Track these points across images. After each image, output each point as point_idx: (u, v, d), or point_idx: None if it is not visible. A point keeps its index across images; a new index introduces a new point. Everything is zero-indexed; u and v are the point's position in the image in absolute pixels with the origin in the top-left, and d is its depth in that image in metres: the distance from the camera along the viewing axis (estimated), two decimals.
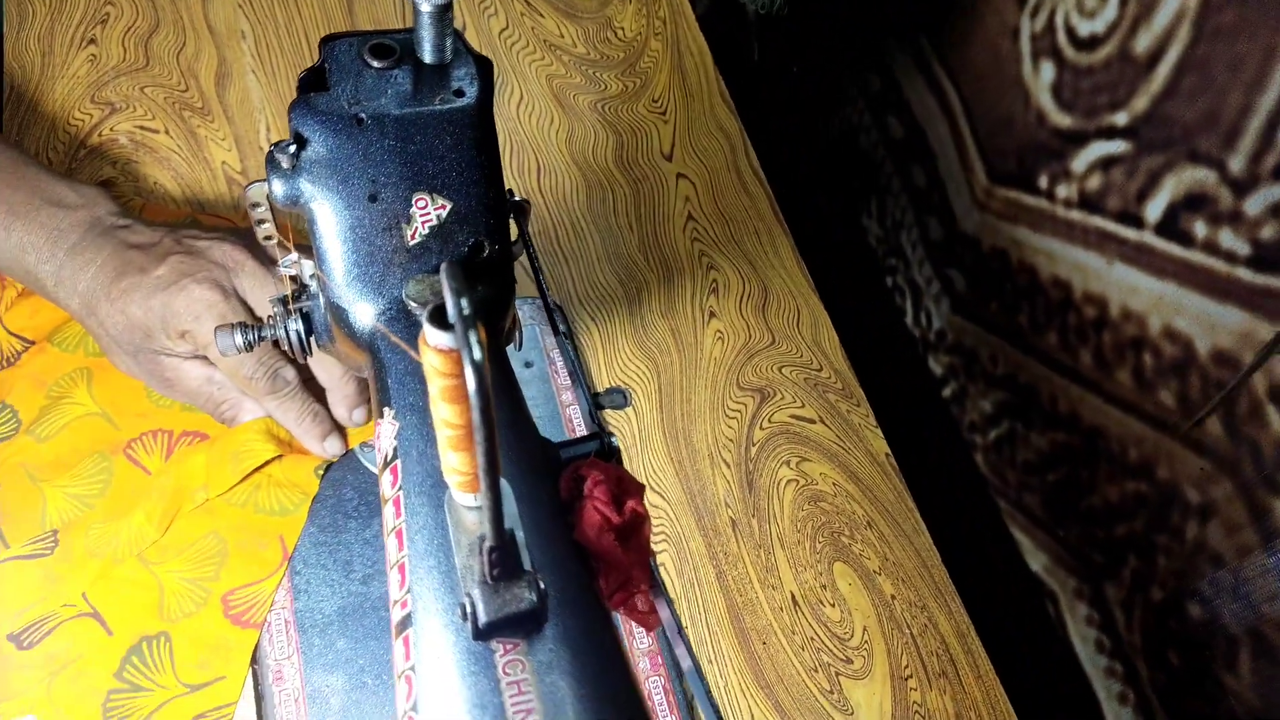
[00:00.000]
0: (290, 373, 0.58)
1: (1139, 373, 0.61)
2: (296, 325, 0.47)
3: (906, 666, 0.61)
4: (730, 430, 0.68)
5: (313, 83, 0.39)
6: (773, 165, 0.82)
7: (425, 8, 0.37)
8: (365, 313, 0.41)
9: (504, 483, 0.33)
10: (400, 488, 0.36)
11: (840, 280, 0.83)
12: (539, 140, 0.79)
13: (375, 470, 0.63)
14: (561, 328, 0.43)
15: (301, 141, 0.38)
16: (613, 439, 0.39)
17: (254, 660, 0.56)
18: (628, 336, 0.71)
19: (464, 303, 0.26)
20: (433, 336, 0.29)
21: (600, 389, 0.68)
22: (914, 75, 0.81)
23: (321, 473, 0.61)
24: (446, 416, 0.31)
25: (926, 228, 0.81)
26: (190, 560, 0.57)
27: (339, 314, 0.41)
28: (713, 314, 0.73)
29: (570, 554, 0.35)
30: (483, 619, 0.30)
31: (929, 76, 0.79)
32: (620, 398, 0.69)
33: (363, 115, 0.38)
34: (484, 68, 0.40)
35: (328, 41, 0.39)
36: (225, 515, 0.59)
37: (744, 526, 0.65)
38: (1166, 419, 0.60)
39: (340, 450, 0.61)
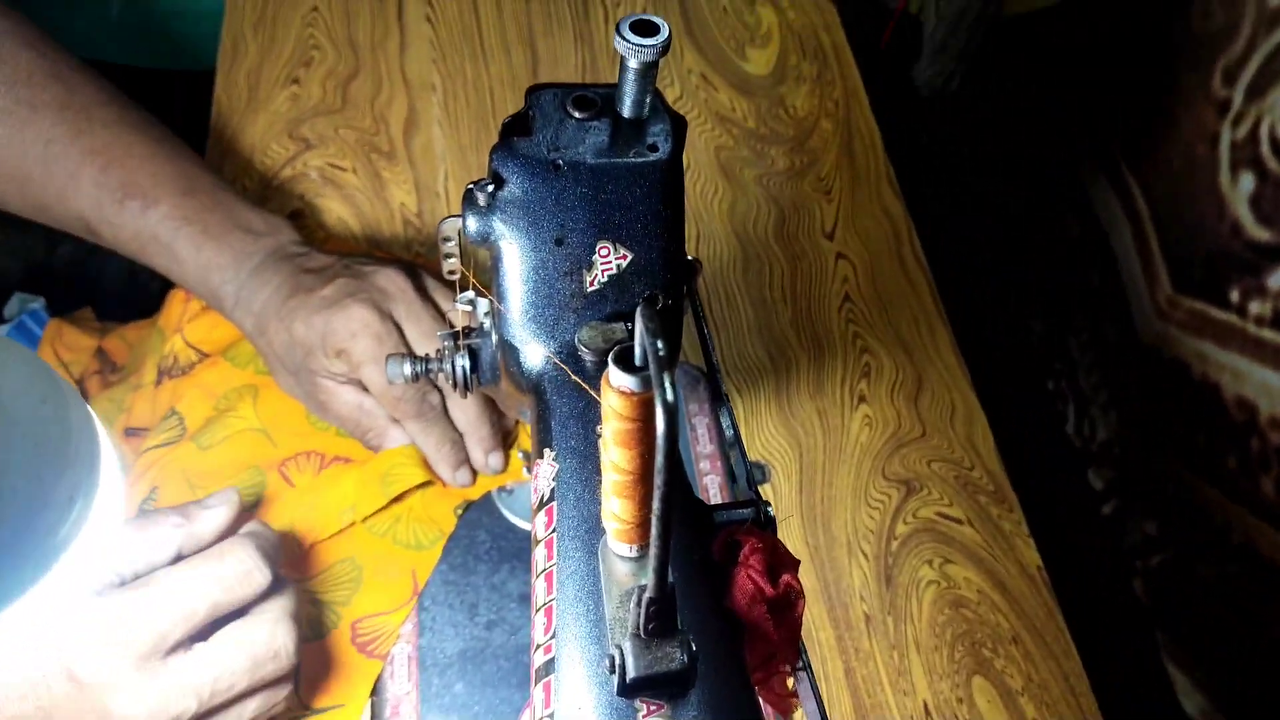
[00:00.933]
0: (436, 398, 0.59)
1: None
2: (463, 361, 0.48)
3: None
4: (871, 521, 0.66)
5: (515, 128, 0.40)
6: (935, 253, 0.80)
7: (633, 64, 0.38)
8: (536, 353, 0.41)
9: None
10: (554, 530, 0.36)
11: (998, 378, 0.80)
12: (701, 208, 0.80)
13: (510, 517, 0.63)
14: (724, 394, 0.43)
15: (499, 181, 0.39)
16: (769, 508, 0.38)
17: (373, 692, 0.56)
18: (772, 413, 0.70)
19: (660, 345, 0.26)
20: (616, 378, 0.28)
21: None
22: (1097, 174, 0.78)
23: (460, 512, 0.62)
24: (617, 460, 0.30)
25: (1100, 333, 0.78)
26: (325, 582, 0.58)
27: (510, 352, 0.42)
28: (863, 398, 0.71)
29: (718, 620, 0.34)
30: (631, 673, 0.29)
31: (1114, 177, 0.76)
32: (759, 473, 0.67)
33: (560, 161, 0.39)
34: (678, 126, 0.41)
35: (534, 90, 0.41)
36: (364, 542, 0.60)
37: (878, 623, 0.62)
38: None
39: (469, 482, 0.61)
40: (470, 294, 0.45)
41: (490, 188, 0.39)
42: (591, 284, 0.40)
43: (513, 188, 0.39)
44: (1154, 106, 0.72)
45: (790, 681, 0.38)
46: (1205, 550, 0.66)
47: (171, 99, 0.93)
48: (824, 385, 0.72)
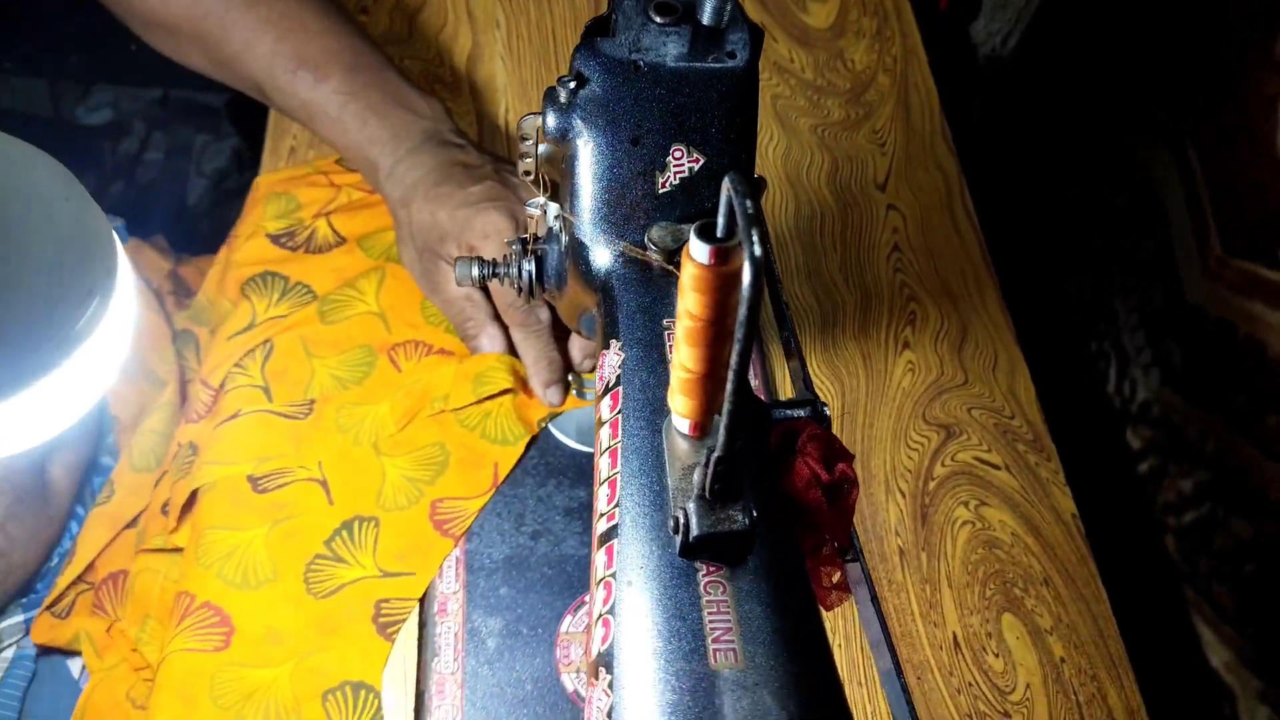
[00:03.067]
0: (545, 313, 0.61)
1: None
2: (529, 265, 0.49)
3: None
4: (910, 461, 0.67)
5: (597, 29, 0.41)
6: (986, 213, 0.81)
7: None
8: (605, 252, 0.43)
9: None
10: (619, 411, 0.37)
11: (1042, 335, 0.81)
12: (756, 153, 0.81)
13: (558, 435, 0.65)
14: (788, 314, 0.44)
15: (581, 80, 0.40)
16: (825, 407, 0.39)
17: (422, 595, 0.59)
18: (816, 353, 0.71)
19: (749, 204, 0.27)
20: (698, 249, 0.30)
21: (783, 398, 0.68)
22: (1152, 137, 0.78)
23: (543, 424, 0.64)
24: (685, 361, 0.32)
25: (1147, 294, 0.78)
26: (415, 461, 0.61)
27: (580, 251, 0.43)
28: (906, 345, 0.72)
29: (778, 502, 0.35)
30: (695, 532, 0.31)
31: (1169, 139, 0.76)
32: (822, 409, 0.68)
33: (640, 62, 0.40)
34: (756, 36, 0.42)
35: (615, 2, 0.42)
36: (455, 432, 0.63)
37: (912, 558, 0.63)
38: None
39: (558, 401, 0.63)
40: (542, 199, 0.47)
41: (572, 84, 0.40)
42: (664, 185, 0.42)
43: (593, 86, 0.40)
44: (1212, 68, 0.72)
45: (836, 575, 0.40)
46: (1240, 508, 0.67)
47: None
48: (869, 330, 0.73)
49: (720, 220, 0.29)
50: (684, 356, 0.32)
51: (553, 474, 0.63)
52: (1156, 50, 0.81)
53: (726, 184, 0.28)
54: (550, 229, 0.48)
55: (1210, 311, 0.70)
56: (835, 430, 0.68)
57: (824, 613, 0.56)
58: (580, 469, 0.64)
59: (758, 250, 0.26)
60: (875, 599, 0.35)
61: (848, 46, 0.89)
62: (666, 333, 0.39)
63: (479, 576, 0.59)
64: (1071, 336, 0.88)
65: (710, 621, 0.31)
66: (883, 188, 0.81)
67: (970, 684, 0.59)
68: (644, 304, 0.40)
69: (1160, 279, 0.76)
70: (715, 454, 0.30)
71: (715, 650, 0.30)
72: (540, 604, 0.59)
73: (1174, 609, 0.72)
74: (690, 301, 0.31)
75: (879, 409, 0.69)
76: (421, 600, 0.58)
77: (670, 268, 0.41)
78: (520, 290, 0.50)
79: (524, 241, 0.49)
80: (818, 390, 0.69)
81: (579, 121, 0.41)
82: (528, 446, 0.63)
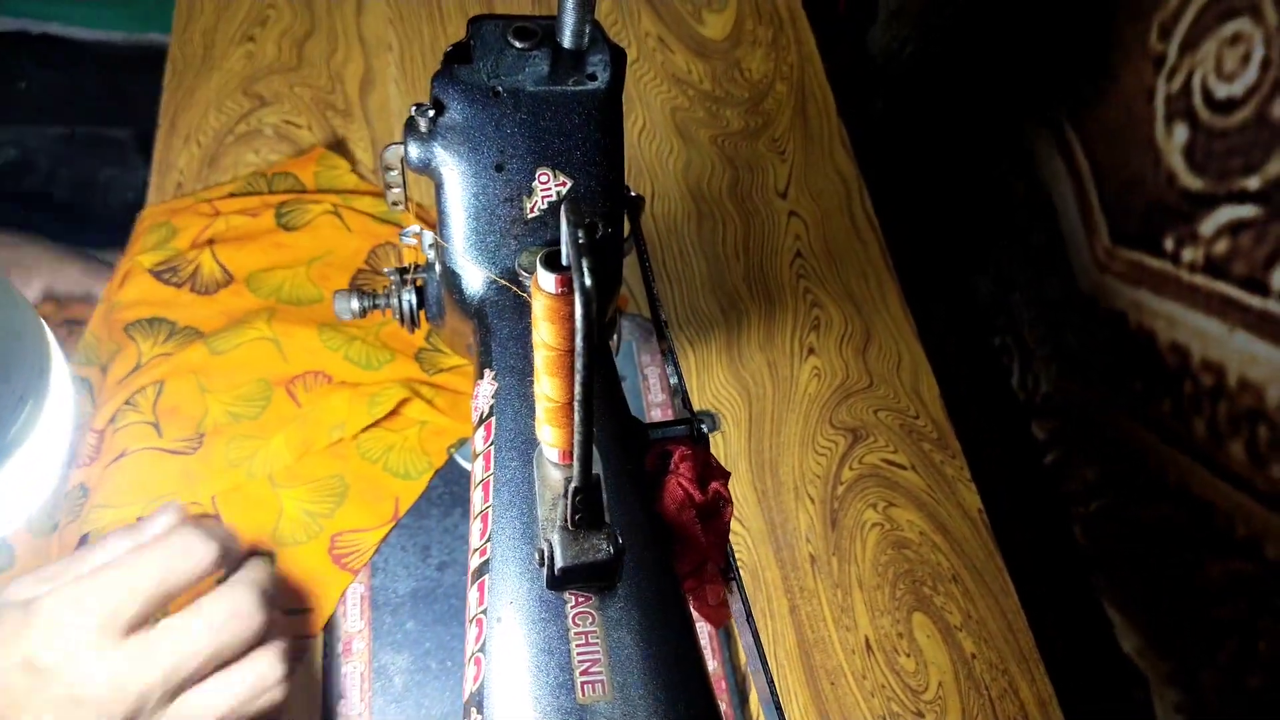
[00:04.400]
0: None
1: (1253, 446, 0.58)
2: (410, 296, 0.49)
3: None
4: (818, 466, 0.67)
5: (456, 57, 0.41)
6: (886, 215, 0.82)
7: None
8: (477, 279, 0.42)
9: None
10: (492, 443, 0.37)
11: (945, 333, 0.82)
12: (656, 167, 0.81)
13: (462, 463, 0.64)
14: (666, 334, 0.44)
15: (440, 107, 0.40)
16: (703, 425, 0.39)
17: (325, 628, 0.57)
18: (723, 365, 0.72)
19: (581, 233, 0.27)
20: (544, 278, 0.29)
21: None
22: (1042, 132, 0.80)
23: (454, 450, 0.63)
24: (547, 391, 0.31)
25: (1042, 288, 0.80)
26: (313, 493, 0.60)
27: (453, 279, 0.43)
28: (812, 350, 0.73)
29: (648, 526, 0.35)
30: (559, 563, 0.30)
31: (1057, 134, 0.78)
32: (710, 422, 0.68)
33: (500, 88, 0.40)
34: (618, 56, 0.42)
35: (476, 21, 0.41)
36: (355, 463, 0.61)
37: (823, 564, 0.63)
38: (1277, 496, 0.57)
39: None
40: (416, 227, 0.46)
41: (431, 113, 0.40)
42: (531, 210, 0.41)
43: (453, 114, 0.40)
44: (1095, 62, 0.74)
45: (722, 593, 0.39)
46: (1142, 494, 0.69)
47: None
48: (774, 337, 0.73)
49: (564, 249, 0.29)
50: (545, 386, 0.32)
51: (458, 503, 0.62)
52: (1044, 44, 0.83)
53: (564, 213, 0.28)
54: (428, 260, 0.47)
55: (1102, 301, 0.72)
56: (742, 441, 0.68)
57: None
58: None
59: (588, 281, 0.26)
60: (751, 621, 0.35)
61: (744, 56, 0.90)
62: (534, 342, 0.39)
63: (384, 613, 0.58)
64: (974, 332, 0.90)
65: (579, 654, 0.30)
66: (784, 195, 0.81)
67: (883, 686, 0.59)
68: (516, 332, 0.40)
69: (1054, 271, 0.78)
70: (572, 484, 0.30)
71: (583, 683, 0.30)
72: (449, 637, 0.58)
73: (1084, 597, 0.74)
74: (544, 331, 0.31)
75: (786, 416, 0.69)
76: (326, 641, 0.57)
77: None
78: (402, 320, 0.49)
79: (402, 271, 0.48)
80: (726, 402, 0.70)
81: (441, 150, 0.40)
82: (433, 479, 0.62)
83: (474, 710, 0.31)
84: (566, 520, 0.30)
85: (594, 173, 0.42)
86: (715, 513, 0.36)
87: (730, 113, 0.86)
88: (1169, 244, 0.65)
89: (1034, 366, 0.81)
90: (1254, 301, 0.58)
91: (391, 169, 0.43)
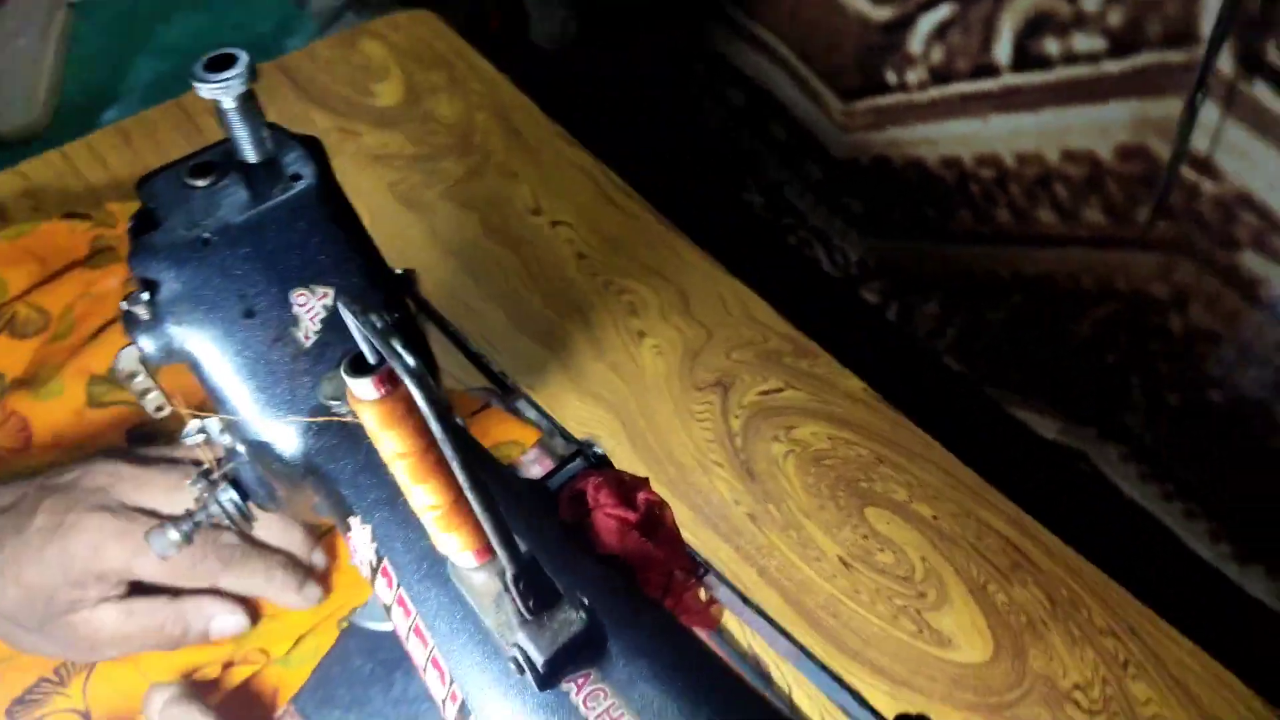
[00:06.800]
0: (231, 536, 0.52)
1: (1057, 205, 0.61)
2: (228, 494, 0.43)
3: (980, 575, 0.58)
4: (707, 432, 0.66)
5: (142, 228, 0.36)
6: (639, 183, 0.81)
7: (228, 104, 0.35)
8: (289, 437, 0.37)
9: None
10: (400, 585, 0.33)
11: (745, 256, 0.82)
12: (403, 244, 0.77)
13: (373, 626, 0.58)
14: (509, 383, 0.41)
15: (152, 286, 0.35)
16: (595, 447, 0.36)
17: None
18: (570, 390, 0.69)
19: (374, 318, 0.23)
20: (360, 387, 0.26)
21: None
22: (733, 40, 0.82)
23: (344, 624, 0.56)
24: (428, 500, 0.28)
25: (805, 174, 0.81)
26: None
27: (263, 451, 0.38)
28: (642, 334, 0.71)
29: (600, 572, 0.32)
30: (540, 659, 0.26)
31: (747, 36, 0.79)
32: (590, 452, 0.65)
33: (205, 235, 0.35)
34: (312, 145, 0.38)
35: (144, 183, 0.37)
36: None
37: (762, 516, 0.62)
38: (1103, 235, 0.59)
39: (320, 595, 0.55)
40: (195, 424, 0.40)
41: (146, 296, 0.35)
42: (307, 338, 0.37)
43: (170, 285, 0.35)
44: None
45: (702, 592, 0.37)
46: (987, 300, 0.71)
47: None
48: (602, 340, 0.71)
49: (364, 347, 0.25)
50: (422, 496, 0.28)
51: (393, 668, 0.56)
52: None
53: (344, 313, 0.25)
54: (226, 447, 0.42)
55: (862, 158, 0.74)
56: (628, 449, 0.65)
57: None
58: None
59: (411, 361, 0.22)
60: (742, 596, 0.33)
61: (432, 105, 0.87)
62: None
63: None
64: (769, 242, 0.91)
65: None
66: (537, 212, 0.79)
67: (877, 590, 0.58)
68: (360, 465, 0.35)
69: (807, 154, 0.79)
70: (509, 573, 0.26)
71: None
72: None
73: (990, 410, 0.75)
74: (390, 441, 0.27)
75: (653, 403, 0.67)
76: None
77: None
78: (234, 524, 0.43)
79: (206, 474, 0.42)
80: (592, 422, 0.67)
81: (176, 329, 0.35)
82: (352, 659, 0.56)
83: None
84: (522, 613, 0.27)
85: (349, 268, 0.38)
86: (657, 521, 0.33)
87: (447, 163, 0.83)
88: (891, 78, 0.67)
89: (833, 243, 0.82)
90: (990, 85, 0.60)
91: (135, 375, 0.37)
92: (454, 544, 0.29)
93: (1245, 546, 0.62)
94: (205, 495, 0.43)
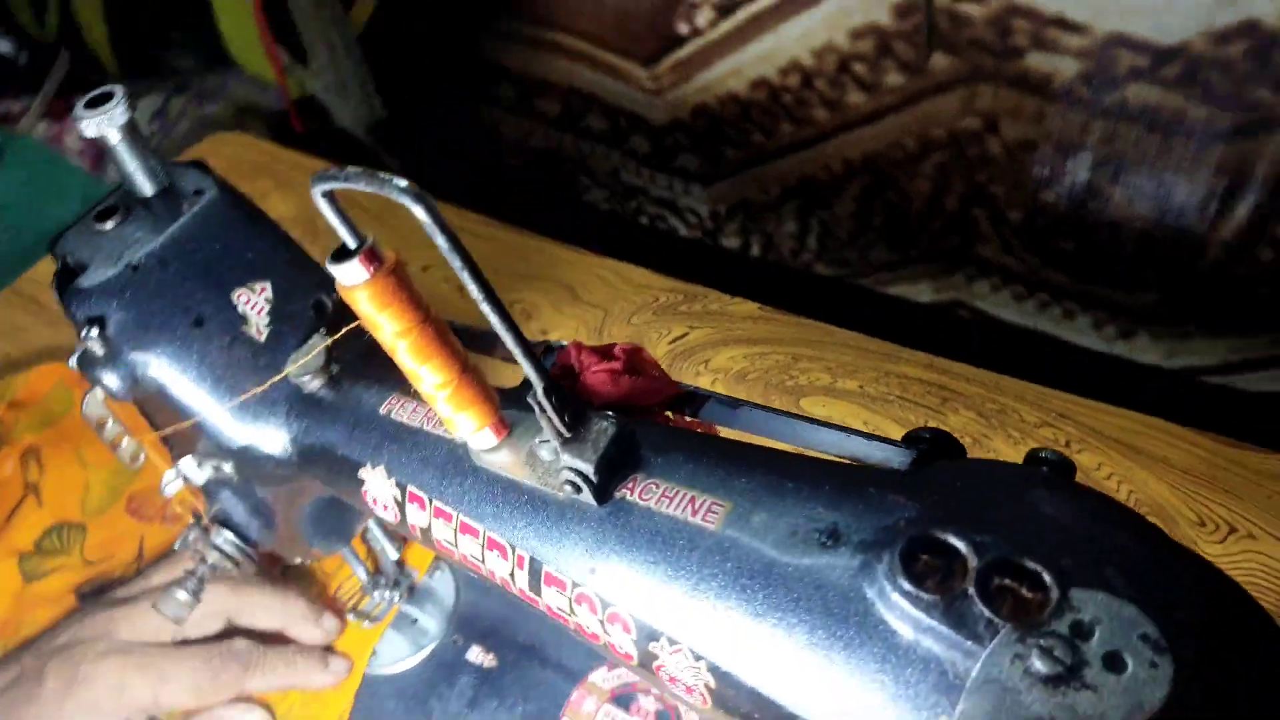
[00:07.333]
0: (241, 642, 0.51)
1: (861, 84, 0.67)
2: (221, 537, 0.43)
3: (916, 418, 0.63)
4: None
5: (67, 279, 0.37)
6: (482, 207, 0.85)
7: (114, 137, 0.36)
8: (272, 436, 0.38)
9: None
10: (431, 498, 0.34)
11: (607, 252, 0.86)
12: None
13: (404, 665, 0.57)
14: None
15: (99, 321, 0.35)
16: (551, 340, 0.39)
17: None
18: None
19: (344, 171, 0.25)
20: (347, 273, 0.28)
21: None
22: (532, 55, 0.87)
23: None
24: (434, 379, 0.30)
25: (634, 151, 0.86)
26: None
27: (252, 458, 0.38)
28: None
29: (601, 413, 0.34)
30: (590, 469, 0.29)
31: (543, 43, 0.84)
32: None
33: (132, 263, 0.36)
34: (203, 167, 0.40)
35: (54, 242, 0.37)
36: None
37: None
38: (907, 94, 0.66)
39: (338, 627, 0.54)
40: (174, 469, 0.40)
41: (95, 331, 0.35)
42: (259, 333, 0.38)
43: (116, 316, 0.36)
44: None
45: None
46: (832, 196, 0.77)
47: None
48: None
49: (343, 232, 0.28)
50: (429, 376, 0.30)
51: (423, 701, 0.55)
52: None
53: (316, 198, 0.27)
54: (206, 482, 0.42)
55: (684, 115, 0.79)
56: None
57: None
58: (450, 665, 0.56)
59: (402, 182, 0.25)
60: (732, 401, 0.36)
61: (267, 209, 0.88)
62: (394, 408, 0.36)
63: None
64: (623, 225, 0.95)
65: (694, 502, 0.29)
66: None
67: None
68: (350, 425, 0.37)
69: (635, 129, 0.85)
70: (540, 388, 0.28)
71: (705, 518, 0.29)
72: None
73: (870, 304, 0.81)
74: (387, 321, 0.29)
75: (627, 314, 0.70)
76: None
77: (336, 370, 0.38)
78: (238, 564, 0.43)
79: (197, 518, 0.42)
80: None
81: (135, 354, 0.36)
82: None
83: None
84: (561, 431, 0.29)
85: (279, 260, 0.39)
86: (639, 360, 0.36)
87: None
88: (683, 28, 0.73)
89: (680, 205, 0.87)
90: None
91: (104, 423, 0.37)
92: (470, 425, 0.31)
93: (1126, 320, 0.69)
94: (201, 545, 0.42)
